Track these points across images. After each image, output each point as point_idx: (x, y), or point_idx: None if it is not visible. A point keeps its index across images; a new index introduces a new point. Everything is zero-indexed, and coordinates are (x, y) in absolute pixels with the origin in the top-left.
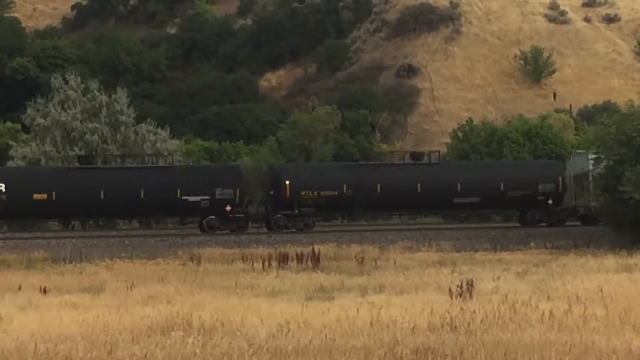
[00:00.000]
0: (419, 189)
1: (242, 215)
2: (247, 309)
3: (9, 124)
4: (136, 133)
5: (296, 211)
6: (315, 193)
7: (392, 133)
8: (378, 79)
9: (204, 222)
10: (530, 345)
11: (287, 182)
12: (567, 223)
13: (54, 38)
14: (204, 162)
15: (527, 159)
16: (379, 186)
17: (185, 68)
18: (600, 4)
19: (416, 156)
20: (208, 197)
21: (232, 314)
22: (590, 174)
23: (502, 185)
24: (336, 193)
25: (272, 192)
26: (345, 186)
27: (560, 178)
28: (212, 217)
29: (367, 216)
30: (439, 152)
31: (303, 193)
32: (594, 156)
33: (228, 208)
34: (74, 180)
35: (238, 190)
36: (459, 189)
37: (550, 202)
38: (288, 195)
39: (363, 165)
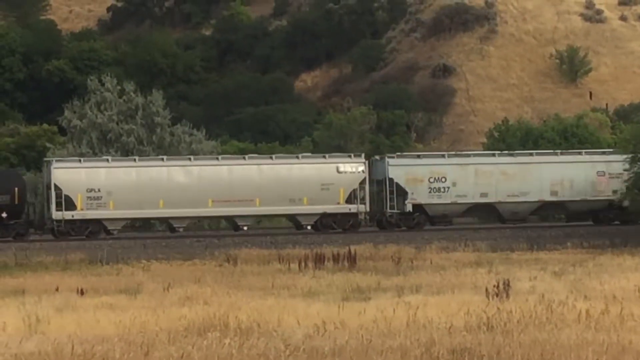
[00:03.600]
0: None
1: None
2: (284, 310)
3: (45, 126)
4: (172, 134)
5: None
6: None
7: (428, 133)
8: (413, 79)
9: None
10: (567, 345)
11: None
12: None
13: (89, 40)
14: None
15: None
16: None
17: (221, 69)
18: (636, 3)
19: None
20: None
21: (268, 314)
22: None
23: None
24: None
25: None
26: None
27: (17, 189)
28: None
29: None
30: None
31: None
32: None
33: None
34: None
35: None
36: None
37: (4, 215)
38: None
39: None
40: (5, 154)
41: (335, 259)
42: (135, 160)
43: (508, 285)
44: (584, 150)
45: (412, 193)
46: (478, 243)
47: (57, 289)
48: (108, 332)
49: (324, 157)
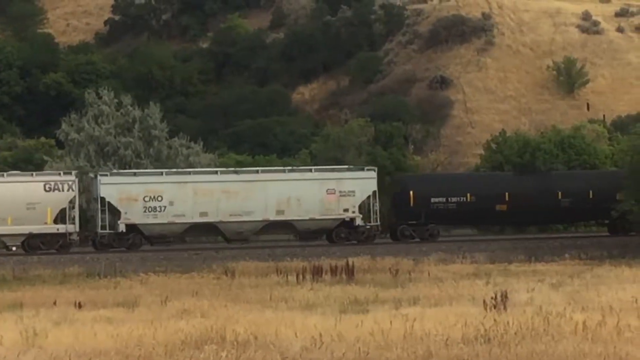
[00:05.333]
0: None
1: None
2: (281, 322)
3: (43, 139)
4: (169, 147)
5: None
6: None
7: (426, 145)
8: (411, 91)
9: None
10: (564, 357)
11: None
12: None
13: (87, 53)
14: None
15: None
16: None
17: (218, 82)
18: (633, 14)
19: None
20: None
21: (266, 327)
22: None
23: None
24: None
25: None
26: None
27: None
28: None
29: None
30: None
31: None
32: None
33: None
34: None
35: None
36: None
37: None
38: None
39: None
40: (3, 168)
41: (333, 271)
42: None
43: (506, 296)
44: (313, 168)
45: (126, 212)
46: (476, 255)
47: (54, 303)
48: (105, 346)
49: (31, 174)
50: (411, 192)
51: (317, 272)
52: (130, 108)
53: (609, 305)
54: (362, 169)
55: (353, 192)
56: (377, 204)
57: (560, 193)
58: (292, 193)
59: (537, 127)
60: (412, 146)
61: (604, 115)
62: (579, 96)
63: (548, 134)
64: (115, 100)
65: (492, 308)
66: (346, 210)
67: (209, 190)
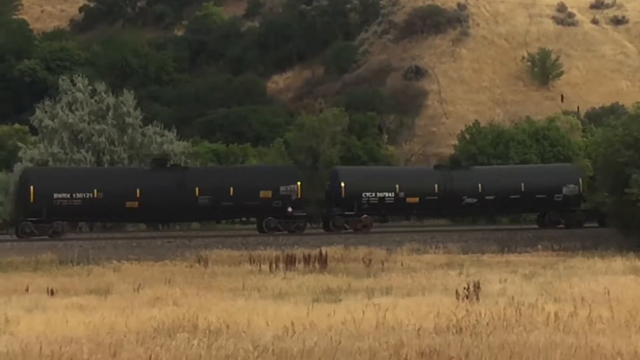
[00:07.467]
0: None
1: None
2: (254, 311)
3: (17, 125)
4: (143, 135)
5: None
6: None
7: (400, 135)
8: (385, 81)
9: None
10: (536, 348)
11: None
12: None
13: (61, 40)
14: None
15: None
16: None
17: (193, 70)
18: (608, 6)
19: None
20: None
21: (238, 315)
22: None
23: None
24: None
25: None
26: None
27: None
28: None
29: None
30: None
31: None
32: None
33: None
34: None
35: None
36: None
37: None
38: None
39: None
40: None
41: (307, 260)
42: None
43: (478, 287)
44: None
45: None
46: (449, 245)
47: (27, 289)
48: (77, 333)
49: None
50: (31, 187)
51: (290, 261)
52: (105, 95)
53: (581, 296)
54: None
55: None
56: None
57: (197, 190)
58: None
59: (511, 118)
60: (387, 136)
61: (577, 107)
62: (553, 88)
63: (522, 125)
64: (90, 87)
65: (465, 298)
66: None
67: None
